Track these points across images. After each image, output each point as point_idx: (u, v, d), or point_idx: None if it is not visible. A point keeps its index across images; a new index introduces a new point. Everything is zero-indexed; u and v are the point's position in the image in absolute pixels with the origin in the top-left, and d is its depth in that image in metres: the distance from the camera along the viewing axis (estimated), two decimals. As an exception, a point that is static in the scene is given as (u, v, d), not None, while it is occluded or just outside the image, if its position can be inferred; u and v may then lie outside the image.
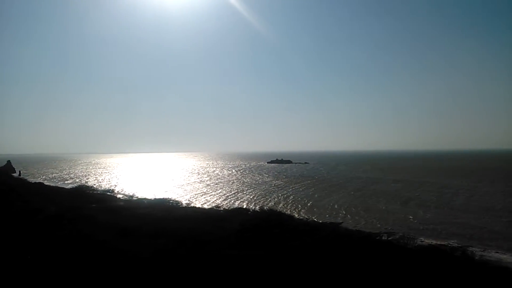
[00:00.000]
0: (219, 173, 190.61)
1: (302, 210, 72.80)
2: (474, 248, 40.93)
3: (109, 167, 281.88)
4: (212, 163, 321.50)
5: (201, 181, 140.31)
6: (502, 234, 50.79)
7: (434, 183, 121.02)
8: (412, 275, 22.21)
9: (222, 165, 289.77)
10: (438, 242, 43.56)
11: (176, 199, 70.46)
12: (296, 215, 61.00)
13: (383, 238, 36.75)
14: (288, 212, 66.77)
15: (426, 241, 43.93)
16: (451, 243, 42.15)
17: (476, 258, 32.43)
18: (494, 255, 40.54)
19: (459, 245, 37.01)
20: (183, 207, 60.16)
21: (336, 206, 77.28)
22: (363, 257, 25.66)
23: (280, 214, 52.28)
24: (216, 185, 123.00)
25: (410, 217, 64.38)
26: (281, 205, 78.95)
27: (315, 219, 55.09)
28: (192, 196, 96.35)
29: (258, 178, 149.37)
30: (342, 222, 51.75)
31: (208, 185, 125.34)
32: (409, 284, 20.86)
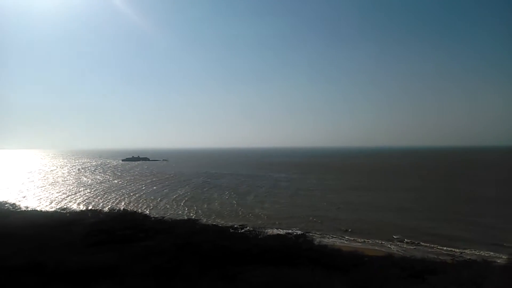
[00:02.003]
0: (61, 172, 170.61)
1: (156, 208, 71.28)
2: (314, 234, 46.98)
3: None
4: (56, 162, 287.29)
5: (42, 182, 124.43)
6: (336, 221, 59.13)
7: (276, 177, 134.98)
8: (263, 258, 24.24)
9: (64, 163, 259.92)
10: (285, 231, 48.70)
11: (13, 202, 61.50)
12: (151, 214, 59.46)
13: (238, 230, 39.00)
14: (142, 211, 64.58)
15: (275, 231, 48.29)
16: (295, 231, 47.03)
17: (316, 242, 37.24)
18: (330, 240, 47.01)
19: (302, 232, 41.65)
20: (22, 211, 52.73)
21: (185, 202, 78.47)
22: (220, 248, 26.89)
23: (134, 214, 50.20)
24: (59, 186, 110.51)
25: (256, 210, 69.78)
26: (133, 204, 75.43)
27: (171, 217, 54.77)
28: (32, 197, 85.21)
29: (100, 177, 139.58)
30: (198, 219, 52.68)
31: (50, 185, 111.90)
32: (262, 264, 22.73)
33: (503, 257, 35.30)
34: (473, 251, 39.96)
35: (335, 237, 48.98)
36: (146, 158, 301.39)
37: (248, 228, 42.85)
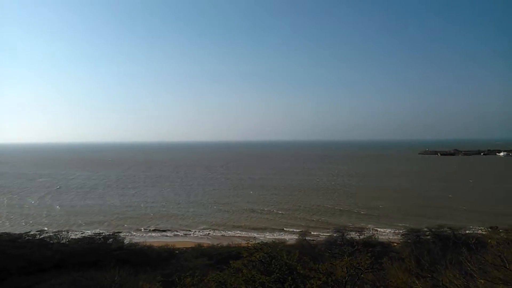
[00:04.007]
0: None
1: None
2: (125, 234, 46.08)
3: None
4: None
5: None
6: (147, 217, 59.07)
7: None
8: (67, 264, 22.94)
9: None
10: (93, 232, 46.25)
11: None
12: None
13: (36, 237, 35.12)
14: None
15: (82, 234, 45.19)
16: (104, 232, 45.22)
17: (126, 241, 36.95)
18: (141, 238, 47.02)
19: (112, 233, 40.47)
20: None
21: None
22: (14, 259, 24.08)
23: None
24: None
25: (53, 213, 63.29)
26: None
27: None
28: None
29: None
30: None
31: None
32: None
33: (293, 237, 42.63)
34: (268, 236, 46.84)
35: (146, 234, 49.25)
36: None
37: (48, 233, 38.99)
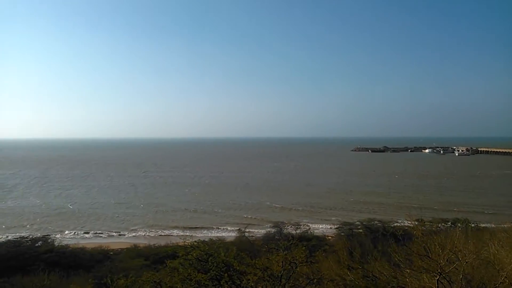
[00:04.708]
0: None
1: None
2: (56, 236, 42.91)
3: None
4: None
5: None
6: (80, 217, 55.89)
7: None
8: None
9: None
10: (20, 235, 42.49)
11: None
12: None
13: None
14: None
15: (5, 237, 41.74)
16: (31, 234, 41.95)
17: (56, 244, 34.61)
18: (73, 239, 44.27)
19: (41, 235, 37.80)
20: None
21: None
22: None
23: None
24: None
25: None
26: None
27: None
28: None
29: None
30: None
31: None
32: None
33: (232, 235, 42.44)
34: (206, 234, 46.26)
35: (78, 236, 46.35)
36: None
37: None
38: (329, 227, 47.77)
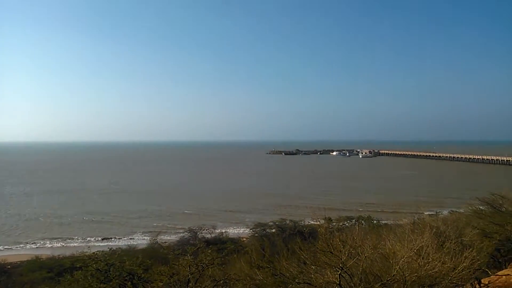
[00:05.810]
0: None
1: None
2: None
3: None
4: None
5: None
6: None
7: None
8: None
9: None
10: None
11: None
12: None
13: None
14: None
15: None
16: None
17: None
18: None
19: None
20: None
21: None
22: None
23: None
24: None
25: None
26: None
27: None
28: None
29: None
30: None
31: None
32: None
33: (144, 242, 40.29)
34: (117, 243, 43.49)
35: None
36: None
37: None
38: (243, 229, 48.20)
